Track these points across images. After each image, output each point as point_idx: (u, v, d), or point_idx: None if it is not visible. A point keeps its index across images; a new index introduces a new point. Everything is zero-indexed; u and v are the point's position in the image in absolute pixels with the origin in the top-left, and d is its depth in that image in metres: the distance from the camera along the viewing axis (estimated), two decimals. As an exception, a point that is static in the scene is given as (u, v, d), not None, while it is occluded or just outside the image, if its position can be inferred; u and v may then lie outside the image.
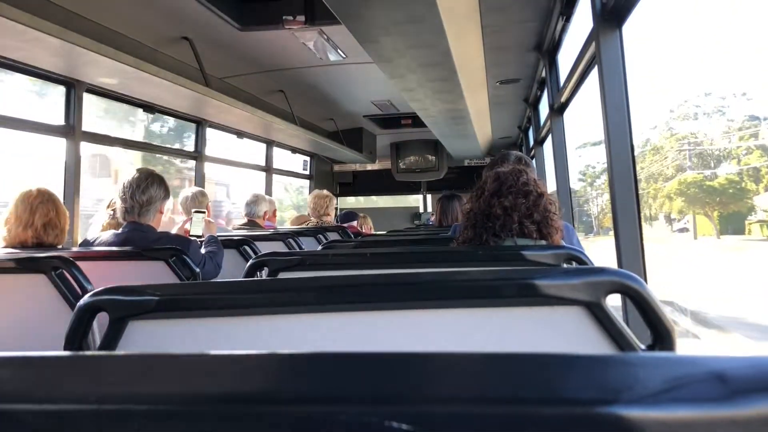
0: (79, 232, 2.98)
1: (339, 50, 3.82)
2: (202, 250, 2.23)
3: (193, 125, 4.26)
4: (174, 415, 0.28)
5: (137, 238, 2.04)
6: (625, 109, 2.00)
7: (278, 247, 2.71)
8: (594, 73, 2.46)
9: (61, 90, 2.96)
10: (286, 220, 5.28)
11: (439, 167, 7.59)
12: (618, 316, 0.69)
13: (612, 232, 2.05)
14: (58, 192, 2.16)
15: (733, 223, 28.31)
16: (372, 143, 7.13)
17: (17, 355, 0.32)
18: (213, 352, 0.32)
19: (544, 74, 3.85)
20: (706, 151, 31.30)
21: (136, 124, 4.09)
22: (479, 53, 3.46)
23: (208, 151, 4.38)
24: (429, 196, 7.86)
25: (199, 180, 4.32)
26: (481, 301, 0.72)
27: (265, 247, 2.57)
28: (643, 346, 0.69)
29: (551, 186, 3.77)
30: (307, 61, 4.13)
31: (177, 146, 4.55)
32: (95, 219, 2.57)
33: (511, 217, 1.39)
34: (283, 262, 1.19)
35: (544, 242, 1.39)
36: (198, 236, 2.47)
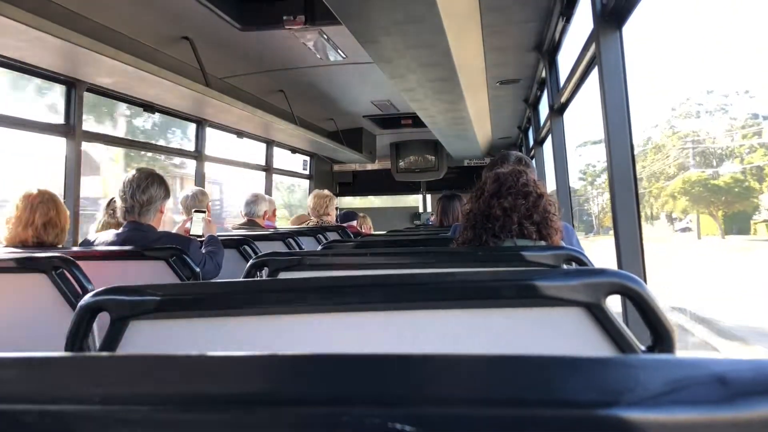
0: (78, 232, 2.98)
1: (339, 50, 3.82)
2: (203, 250, 2.23)
3: (180, 121, 4.23)
4: (175, 415, 0.28)
5: (137, 238, 2.04)
6: (625, 110, 2.00)
7: (278, 246, 2.71)
8: (594, 74, 2.46)
9: (61, 89, 2.96)
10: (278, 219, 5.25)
11: (439, 167, 7.59)
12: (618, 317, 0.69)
13: (612, 231, 2.05)
14: (58, 192, 2.16)
15: (738, 223, 28.01)
16: (372, 143, 7.13)
17: (18, 356, 0.32)
18: (214, 353, 0.32)
19: (544, 75, 3.85)
20: (709, 150, 31.16)
21: (117, 120, 4.08)
22: (479, 53, 3.46)
23: (208, 151, 4.38)
24: (429, 196, 7.86)
25: (199, 179, 4.31)
26: (481, 302, 0.72)
27: (264, 247, 2.57)
28: (643, 348, 0.69)
29: (551, 186, 3.77)
30: (307, 61, 4.13)
31: (162, 142, 4.54)
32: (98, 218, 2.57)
33: (511, 218, 1.39)
34: (283, 262, 1.20)
35: (543, 243, 1.39)
36: (198, 236, 2.47)
